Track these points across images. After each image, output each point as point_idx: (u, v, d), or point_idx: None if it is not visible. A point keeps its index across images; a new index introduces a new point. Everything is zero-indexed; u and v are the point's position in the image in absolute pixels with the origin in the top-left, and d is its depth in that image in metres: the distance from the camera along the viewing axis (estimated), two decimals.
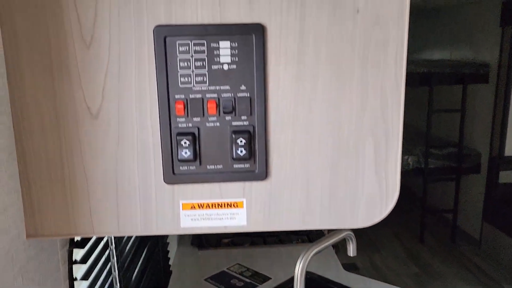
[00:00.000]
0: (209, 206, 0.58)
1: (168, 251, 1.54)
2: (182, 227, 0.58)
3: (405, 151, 3.60)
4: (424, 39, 4.53)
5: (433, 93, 3.53)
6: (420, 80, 3.52)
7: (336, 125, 0.57)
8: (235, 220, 0.59)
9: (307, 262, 1.04)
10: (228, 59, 0.55)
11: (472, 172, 3.58)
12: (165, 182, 0.57)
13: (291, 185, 0.58)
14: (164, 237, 1.52)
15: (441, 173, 3.59)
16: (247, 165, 0.57)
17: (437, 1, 3.65)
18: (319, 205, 0.59)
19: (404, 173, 3.66)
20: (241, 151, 0.56)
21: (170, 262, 1.61)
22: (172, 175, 0.57)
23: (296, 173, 0.58)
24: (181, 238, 1.89)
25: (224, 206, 0.58)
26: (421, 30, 4.59)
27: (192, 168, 0.57)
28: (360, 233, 3.79)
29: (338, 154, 0.58)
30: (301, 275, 1.04)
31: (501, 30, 3.25)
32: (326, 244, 1.05)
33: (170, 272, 1.56)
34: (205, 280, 1.52)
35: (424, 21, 4.51)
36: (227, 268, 1.61)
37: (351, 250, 1.14)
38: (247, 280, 1.53)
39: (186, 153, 0.56)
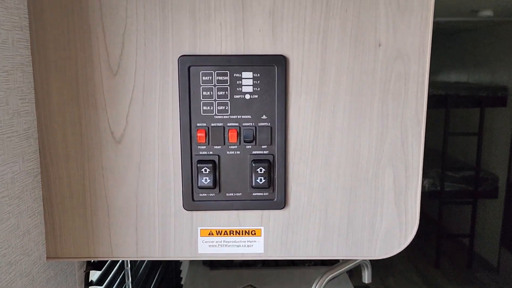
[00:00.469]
0: (227, 233, 0.59)
1: (180, 271, 1.54)
2: (199, 253, 0.59)
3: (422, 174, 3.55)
4: (442, 61, 4.52)
5: (450, 115, 3.50)
6: (437, 102, 3.50)
7: (355, 155, 0.57)
8: (252, 248, 0.59)
9: (322, 284, 1.03)
10: (250, 89, 0.55)
11: (489, 196, 3.51)
12: (185, 209, 0.57)
13: (309, 215, 0.59)
14: None
15: (458, 196, 3.54)
16: (266, 194, 0.57)
17: (455, 24, 3.65)
18: (336, 234, 0.59)
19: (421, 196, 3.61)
20: (261, 180, 0.56)
21: (182, 282, 1.61)
22: (192, 201, 0.57)
23: (314, 202, 0.58)
24: None
25: (242, 233, 0.59)
26: (439, 52, 4.58)
27: (211, 195, 0.57)
28: None
29: (357, 185, 0.58)
30: None
31: None
32: (341, 270, 1.04)
33: None
34: None
35: (442, 43, 4.50)
36: None
37: (366, 277, 1.12)
38: None
39: (206, 181, 0.56)
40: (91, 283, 0.71)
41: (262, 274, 1.72)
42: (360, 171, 0.57)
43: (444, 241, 3.74)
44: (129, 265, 0.85)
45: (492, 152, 3.58)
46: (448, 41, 4.38)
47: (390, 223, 0.59)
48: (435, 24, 3.49)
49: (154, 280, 1.12)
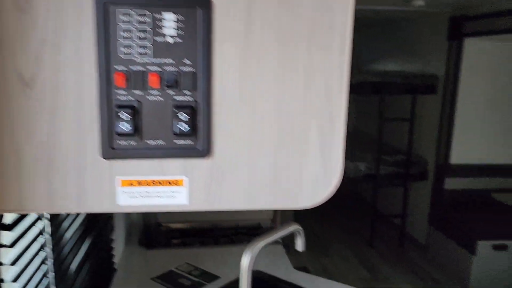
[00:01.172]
0: (148, 183, 0.56)
1: (112, 248, 1.49)
2: (119, 204, 0.56)
3: (358, 157, 3.69)
4: (377, 50, 4.69)
5: (385, 103, 3.65)
6: (373, 90, 3.64)
7: (281, 104, 0.57)
8: (176, 199, 0.57)
9: (254, 255, 1.03)
10: (174, 32, 0.53)
11: (419, 179, 3.72)
12: (103, 157, 0.54)
13: (235, 164, 0.57)
14: (108, 231, 1.46)
15: (391, 179, 3.71)
16: (189, 142, 0.56)
17: (388, 14, 3.80)
18: (263, 185, 0.58)
19: (356, 179, 3.75)
20: (183, 127, 0.54)
21: (115, 260, 1.56)
22: (110, 149, 0.54)
23: (240, 151, 0.57)
24: (129, 238, 1.83)
25: (164, 183, 0.56)
26: (374, 42, 4.76)
27: (131, 143, 0.55)
28: (312, 237, 3.84)
29: (283, 134, 0.57)
30: (248, 268, 1.02)
31: (448, 43, 3.42)
32: (274, 237, 1.05)
33: (114, 270, 1.50)
34: (152, 279, 1.48)
35: (377, 33, 4.67)
36: (176, 268, 1.57)
37: (300, 245, 1.14)
38: (195, 279, 1.50)
39: (125, 127, 0.53)
40: (2, 246, 0.65)
41: (200, 253, 1.71)
42: (286, 120, 0.57)
43: (378, 222, 3.92)
44: (45, 223, 0.80)
45: (423, 137, 3.79)
46: (382, 30, 4.56)
47: (315, 173, 0.59)
48: (370, 13, 3.61)
49: (82, 253, 1.06)
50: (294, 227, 1.11)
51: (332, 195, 0.61)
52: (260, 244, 1.02)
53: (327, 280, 1.57)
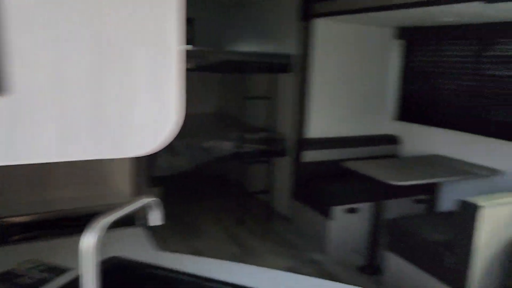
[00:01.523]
0: None
1: None
2: None
3: (222, 137, 3.70)
4: (238, 30, 4.76)
5: (246, 82, 3.71)
6: (234, 69, 3.67)
7: (98, 26, 0.46)
8: None
9: (100, 234, 0.89)
10: None
11: (281, 155, 3.89)
12: None
13: (43, 104, 0.45)
14: None
15: (255, 157, 3.81)
16: None
17: None
18: (81, 130, 0.48)
19: (223, 159, 3.76)
20: None
21: None
22: None
23: (49, 87, 0.45)
24: None
25: None
26: (235, 22, 4.81)
27: None
28: (181, 221, 3.76)
29: (102, 66, 0.47)
30: (91, 251, 0.87)
31: (300, 24, 3.60)
32: (122, 212, 0.93)
33: None
34: None
35: (237, 13, 4.73)
36: (15, 266, 1.34)
37: (155, 219, 1.04)
38: (40, 275, 1.30)
39: None
40: None
41: (47, 247, 1.49)
42: (106, 48, 0.47)
43: (246, 199, 4.00)
44: None
45: (282, 114, 3.96)
46: (242, 11, 4.63)
47: (146, 113, 0.50)
48: None
49: None
50: (147, 200, 1.01)
51: (169, 140, 0.52)
52: (106, 220, 0.89)
53: (194, 256, 1.50)
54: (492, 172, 3.05)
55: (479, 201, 2.21)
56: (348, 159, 3.39)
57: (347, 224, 3.30)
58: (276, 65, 3.69)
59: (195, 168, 3.54)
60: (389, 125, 4.01)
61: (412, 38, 3.78)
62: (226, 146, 3.63)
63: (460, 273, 2.27)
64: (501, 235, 2.28)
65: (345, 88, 3.76)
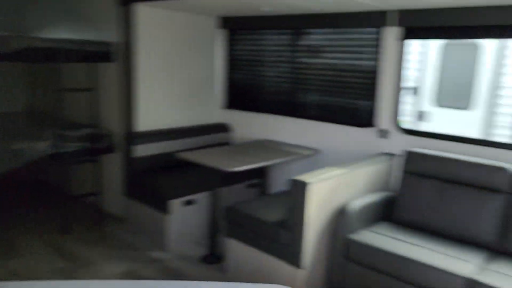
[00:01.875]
0: None
1: None
2: None
3: (36, 137, 3.20)
4: (47, 15, 4.18)
5: (62, 74, 3.28)
6: (44, 58, 3.19)
7: None
8: None
9: None
10: None
11: (109, 152, 3.58)
12: None
13: None
14: None
15: (78, 156, 3.42)
16: None
17: None
18: None
19: (38, 162, 3.26)
20: None
21: None
22: None
23: None
24: None
25: None
26: (45, 8, 4.21)
27: None
28: None
29: None
30: None
31: (120, 9, 3.33)
32: None
33: None
34: None
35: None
36: None
37: None
38: None
39: None
40: None
41: None
42: None
43: (70, 204, 3.58)
44: None
45: (106, 107, 3.63)
46: None
47: None
48: None
49: None
50: None
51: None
52: None
53: (13, 282, 1.21)
54: (314, 151, 3.35)
55: (306, 178, 2.38)
56: (181, 151, 3.30)
57: (185, 217, 3.23)
58: (95, 53, 3.35)
59: (5, 175, 2.98)
60: (219, 114, 4.06)
61: (235, 27, 3.87)
62: (41, 147, 3.15)
63: (296, 247, 2.42)
64: (327, 207, 2.50)
65: (173, 78, 3.65)
